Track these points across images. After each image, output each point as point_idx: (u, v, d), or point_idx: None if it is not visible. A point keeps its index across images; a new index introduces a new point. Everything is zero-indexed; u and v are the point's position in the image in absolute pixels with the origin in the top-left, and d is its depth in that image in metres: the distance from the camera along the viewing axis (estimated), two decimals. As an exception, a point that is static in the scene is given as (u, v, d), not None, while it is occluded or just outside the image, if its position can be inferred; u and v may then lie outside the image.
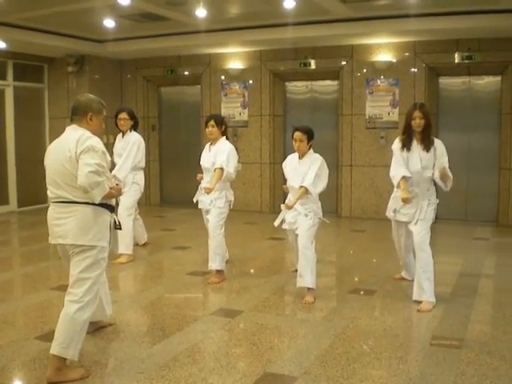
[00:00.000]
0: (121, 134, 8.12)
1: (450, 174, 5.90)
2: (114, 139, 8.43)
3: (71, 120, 4.53)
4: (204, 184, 6.99)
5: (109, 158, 4.50)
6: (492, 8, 8.87)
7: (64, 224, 4.32)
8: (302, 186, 6.12)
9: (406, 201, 5.94)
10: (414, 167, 6.04)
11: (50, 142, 4.68)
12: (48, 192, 4.44)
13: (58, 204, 4.36)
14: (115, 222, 4.58)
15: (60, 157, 4.33)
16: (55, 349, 4.22)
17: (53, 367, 4.21)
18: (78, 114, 4.51)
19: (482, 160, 10.83)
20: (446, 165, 5.94)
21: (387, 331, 5.23)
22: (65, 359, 4.25)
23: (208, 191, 6.66)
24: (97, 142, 4.33)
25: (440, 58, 10.67)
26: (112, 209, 4.54)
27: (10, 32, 10.27)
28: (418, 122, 5.96)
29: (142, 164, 8.11)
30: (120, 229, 4.65)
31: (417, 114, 5.98)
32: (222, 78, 12.44)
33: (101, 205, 4.35)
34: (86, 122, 4.47)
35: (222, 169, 6.74)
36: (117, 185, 4.62)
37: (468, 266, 7.62)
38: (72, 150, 4.25)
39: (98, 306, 4.71)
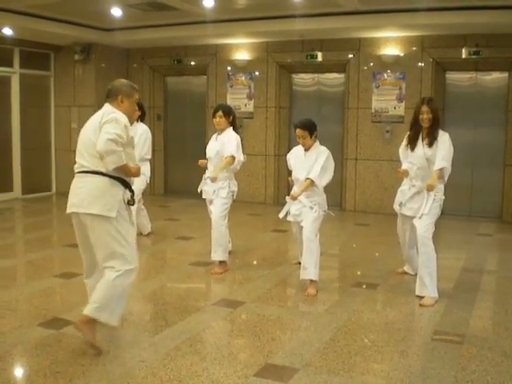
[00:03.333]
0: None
1: (435, 184, 5.85)
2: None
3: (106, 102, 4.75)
4: (208, 174, 7.01)
5: (131, 134, 4.64)
6: (501, 4, 8.83)
7: (80, 193, 4.51)
8: (307, 178, 6.11)
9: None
10: (418, 162, 6.04)
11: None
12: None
13: (79, 174, 4.59)
14: (129, 198, 4.61)
15: (88, 129, 4.57)
16: (88, 309, 4.43)
17: (83, 319, 4.43)
18: (110, 97, 4.74)
19: (488, 156, 10.80)
20: (443, 162, 5.87)
21: (389, 325, 5.24)
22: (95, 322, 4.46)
23: (214, 180, 6.67)
24: (121, 116, 4.55)
25: (447, 53, 10.63)
26: (126, 184, 4.60)
27: (17, 19, 10.26)
28: (425, 117, 5.95)
29: (149, 155, 8.13)
30: (132, 204, 4.69)
31: (424, 108, 5.97)
32: (229, 68, 12.42)
33: (115, 178, 4.48)
34: (117, 104, 4.69)
35: (232, 157, 6.75)
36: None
37: (471, 262, 7.61)
38: (98, 121, 4.49)
39: None
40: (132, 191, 4.66)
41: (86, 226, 4.53)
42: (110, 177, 4.48)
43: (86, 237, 4.64)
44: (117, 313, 4.54)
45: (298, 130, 6.22)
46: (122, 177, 4.54)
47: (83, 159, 4.55)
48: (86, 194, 4.49)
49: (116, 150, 4.36)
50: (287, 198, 6.38)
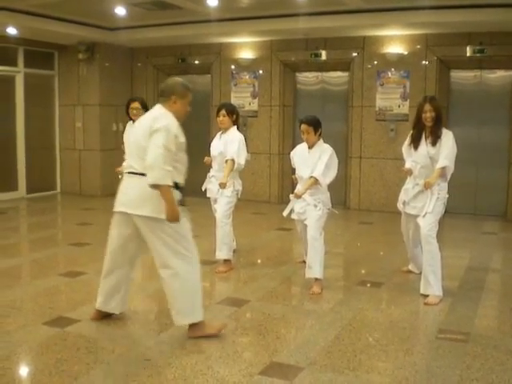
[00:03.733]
0: (131, 121, 8.11)
1: (434, 181, 5.85)
2: (124, 127, 8.45)
3: (158, 101, 4.82)
4: (213, 172, 7.03)
5: (182, 140, 4.67)
6: (505, 2, 8.80)
7: (129, 193, 4.61)
8: (311, 177, 6.11)
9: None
10: (421, 161, 6.03)
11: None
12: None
13: (129, 174, 4.69)
14: (179, 198, 4.65)
15: (139, 132, 4.66)
16: (177, 320, 4.73)
17: (189, 331, 4.75)
18: (163, 96, 4.79)
19: (492, 154, 10.77)
20: (445, 161, 5.85)
21: (394, 324, 5.24)
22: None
23: (223, 186, 6.68)
24: (172, 124, 4.58)
25: (451, 51, 10.61)
26: (177, 187, 4.64)
27: (21, 18, 10.26)
28: (428, 116, 5.94)
29: None
30: (183, 205, 4.73)
31: (427, 107, 5.95)
32: (233, 67, 12.43)
33: None
34: (170, 105, 4.74)
35: (233, 160, 6.75)
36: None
37: (476, 261, 7.60)
38: (149, 125, 4.54)
39: (121, 297, 5.01)
40: (182, 192, 4.70)
41: (139, 227, 4.65)
42: None
43: (127, 236, 4.78)
44: (198, 309, 4.75)
45: (303, 126, 6.22)
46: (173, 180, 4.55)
47: (133, 160, 4.65)
48: (135, 195, 4.60)
49: (163, 168, 4.36)
50: (291, 196, 6.38)
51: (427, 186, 5.82)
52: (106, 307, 5.09)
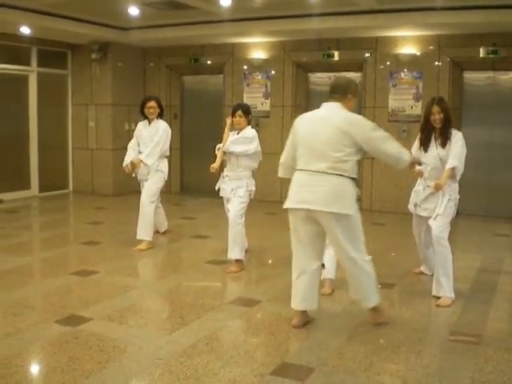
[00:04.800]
0: (146, 121, 8.14)
1: (444, 183, 5.82)
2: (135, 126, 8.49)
3: (330, 97, 5.01)
4: (227, 172, 7.06)
5: None
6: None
7: (317, 191, 4.73)
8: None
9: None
10: (431, 163, 6.01)
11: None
12: (299, 161, 4.89)
13: (315, 173, 4.78)
14: (359, 194, 4.97)
15: (326, 131, 4.78)
16: (364, 304, 5.10)
17: (371, 314, 5.16)
18: (337, 93, 4.97)
19: (505, 155, 10.71)
20: (454, 162, 5.79)
21: (405, 325, 5.23)
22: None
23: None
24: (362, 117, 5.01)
25: (464, 52, 10.56)
26: (356, 181, 4.90)
27: (34, 18, 10.31)
28: (437, 118, 5.91)
29: (167, 152, 8.18)
30: (360, 200, 5.02)
31: (435, 109, 5.93)
32: (245, 67, 12.43)
33: (352, 178, 4.84)
34: (345, 102, 4.93)
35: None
36: None
37: (488, 263, 7.57)
38: (339, 124, 4.75)
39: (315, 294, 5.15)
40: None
41: (322, 223, 4.80)
42: (349, 178, 4.78)
43: (315, 232, 4.91)
44: (376, 294, 5.07)
45: None
46: (355, 177, 4.86)
47: (317, 160, 4.75)
48: (325, 193, 4.72)
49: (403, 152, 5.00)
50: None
51: (437, 188, 5.79)
52: (304, 306, 5.12)
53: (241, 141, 6.89)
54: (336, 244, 4.93)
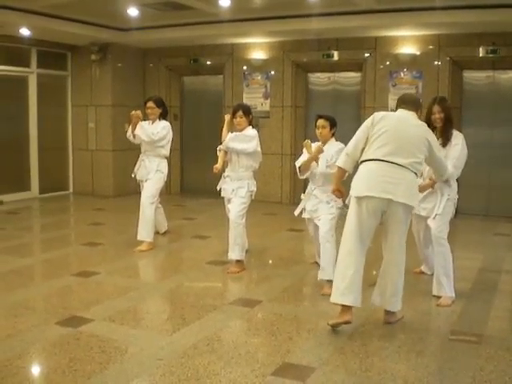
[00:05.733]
0: (150, 121, 8.13)
1: (426, 189, 6.02)
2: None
3: (403, 107, 5.34)
4: (228, 172, 7.05)
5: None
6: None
7: (399, 184, 4.93)
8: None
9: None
10: None
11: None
12: (377, 151, 5.05)
13: (393, 164, 4.96)
14: None
15: (412, 133, 5.09)
16: (388, 306, 5.24)
17: (386, 315, 5.31)
18: (411, 105, 5.34)
19: (505, 155, 10.70)
20: (452, 163, 5.79)
21: (406, 325, 5.23)
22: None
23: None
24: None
25: (464, 52, 10.56)
26: None
27: (34, 19, 10.30)
28: (437, 117, 5.90)
29: (167, 153, 8.17)
30: None
31: (436, 108, 5.92)
32: (245, 68, 12.43)
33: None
34: (417, 115, 5.28)
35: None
36: None
37: (488, 262, 7.56)
38: (422, 133, 5.11)
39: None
40: None
41: (392, 213, 5.00)
42: (415, 174, 5.07)
43: (372, 226, 5.08)
44: (400, 299, 5.26)
45: (320, 120, 6.36)
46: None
47: (401, 155, 4.97)
48: (406, 187, 4.95)
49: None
50: (302, 195, 6.41)
51: (420, 191, 5.75)
52: (359, 303, 5.13)
53: (240, 138, 6.88)
54: (395, 231, 5.11)
